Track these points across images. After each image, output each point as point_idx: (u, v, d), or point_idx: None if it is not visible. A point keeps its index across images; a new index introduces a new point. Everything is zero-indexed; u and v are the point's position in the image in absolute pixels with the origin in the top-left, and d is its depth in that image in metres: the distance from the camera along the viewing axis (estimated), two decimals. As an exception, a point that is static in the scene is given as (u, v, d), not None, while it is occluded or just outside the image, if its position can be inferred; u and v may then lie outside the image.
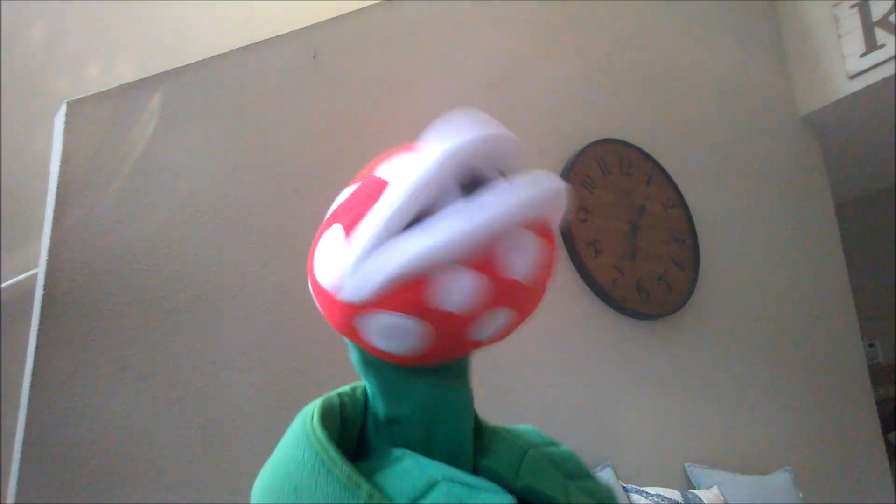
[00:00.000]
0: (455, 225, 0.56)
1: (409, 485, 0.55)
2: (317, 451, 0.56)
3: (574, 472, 0.69)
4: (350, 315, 0.60)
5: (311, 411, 0.62)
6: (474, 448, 0.65)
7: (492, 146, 0.62)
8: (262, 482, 0.59)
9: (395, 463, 0.58)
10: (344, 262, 0.59)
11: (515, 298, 0.61)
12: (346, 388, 0.69)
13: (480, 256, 0.57)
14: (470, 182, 0.60)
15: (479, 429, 0.68)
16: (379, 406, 0.65)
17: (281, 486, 0.57)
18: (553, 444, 0.72)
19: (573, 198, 0.62)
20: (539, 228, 0.60)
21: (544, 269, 0.62)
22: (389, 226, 0.57)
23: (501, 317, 0.61)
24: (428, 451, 0.61)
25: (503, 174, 0.63)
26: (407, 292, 0.57)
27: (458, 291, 0.57)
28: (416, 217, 0.58)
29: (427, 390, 0.63)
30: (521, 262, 0.59)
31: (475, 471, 0.63)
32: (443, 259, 0.56)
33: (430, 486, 0.54)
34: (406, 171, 0.59)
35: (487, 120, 0.65)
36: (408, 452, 0.59)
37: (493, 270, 0.58)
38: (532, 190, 0.59)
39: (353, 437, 0.64)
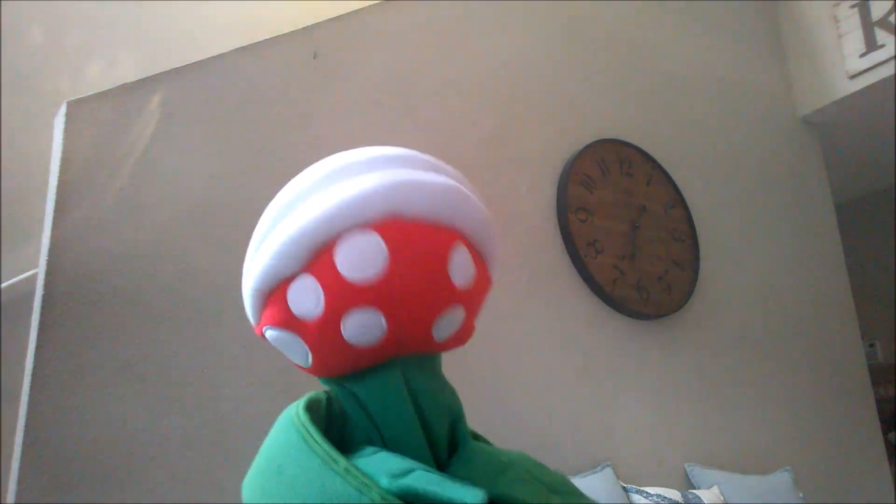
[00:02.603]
0: (286, 232, 0.60)
1: (386, 467, 0.56)
2: (299, 430, 0.59)
3: (561, 489, 0.69)
4: (260, 336, 0.68)
5: (297, 403, 0.65)
6: (447, 460, 0.65)
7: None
8: (252, 467, 0.63)
9: (374, 454, 0.60)
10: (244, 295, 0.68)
11: (366, 298, 0.60)
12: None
13: (315, 261, 0.60)
14: None
15: (463, 444, 0.67)
16: (344, 409, 0.67)
17: (266, 465, 0.60)
18: (543, 467, 0.71)
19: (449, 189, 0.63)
20: (381, 226, 0.60)
21: (394, 266, 0.60)
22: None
23: (366, 318, 0.61)
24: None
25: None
26: (273, 305, 0.64)
27: (303, 298, 0.61)
28: None
29: (361, 395, 0.65)
30: (355, 261, 0.59)
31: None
32: (281, 269, 0.61)
33: (408, 471, 0.56)
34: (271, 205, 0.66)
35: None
36: (385, 450, 0.61)
37: (328, 273, 0.59)
38: (365, 188, 0.60)
39: (340, 431, 0.65)
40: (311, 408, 0.63)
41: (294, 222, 0.60)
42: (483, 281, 0.68)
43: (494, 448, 0.71)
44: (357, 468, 0.55)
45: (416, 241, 0.61)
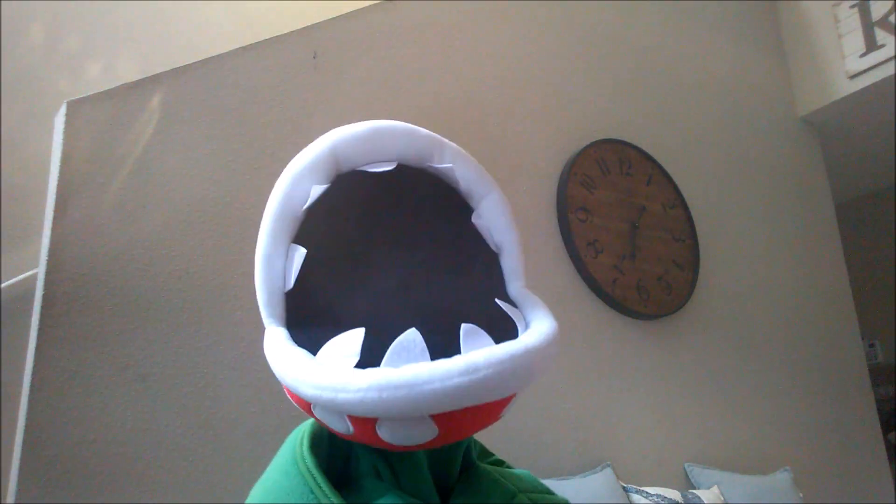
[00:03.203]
0: (340, 395, 0.52)
1: None
2: (306, 480, 0.56)
3: None
4: None
5: (301, 435, 0.62)
6: (456, 489, 0.64)
7: (359, 144, 0.62)
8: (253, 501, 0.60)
9: (379, 495, 0.58)
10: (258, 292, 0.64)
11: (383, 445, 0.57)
12: None
13: (357, 420, 0.54)
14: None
15: (470, 468, 0.66)
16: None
17: None
18: (548, 492, 0.70)
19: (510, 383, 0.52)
20: (443, 419, 0.53)
21: (439, 440, 0.55)
22: (267, 258, 0.60)
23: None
24: (391, 481, 0.61)
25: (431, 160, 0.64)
26: (296, 399, 0.59)
27: (333, 422, 0.56)
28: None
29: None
30: (399, 438, 0.54)
31: None
32: (326, 407, 0.55)
33: None
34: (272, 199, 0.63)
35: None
36: (391, 490, 0.59)
37: (366, 429, 0.55)
38: (440, 387, 0.51)
39: (342, 457, 0.64)
40: (315, 442, 0.61)
41: (333, 378, 0.53)
42: None
43: (502, 471, 0.69)
44: None
45: (475, 418, 0.55)
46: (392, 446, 0.56)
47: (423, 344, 0.54)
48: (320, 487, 0.55)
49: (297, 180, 0.61)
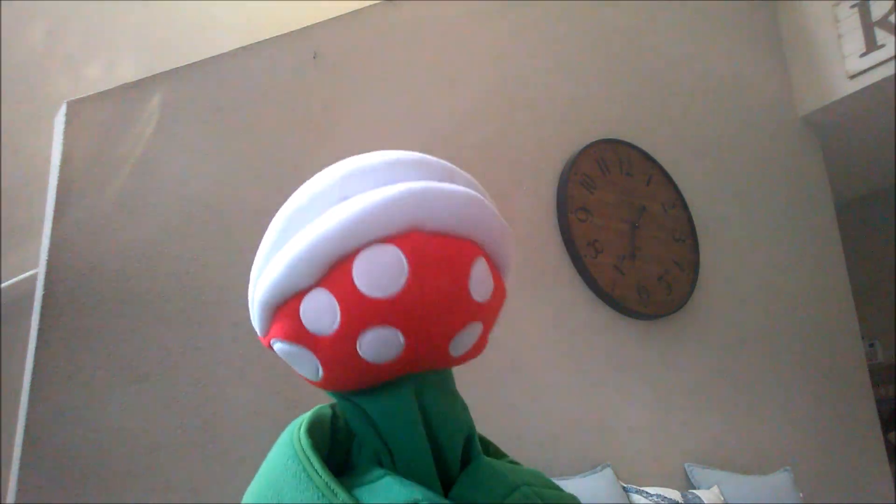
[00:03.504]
0: (300, 245, 0.57)
1: (391, 496, 0.54)
2: (299, 458, 0.57)
3: None
4: (266, 346, 0.66)
5: (300, 421, 0.63)
6: (458, 479, 0.63)
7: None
8: (251, 487, 0.60)
9: (377, 480, 0.58)
10: (250, 303, 0.66)
11: (385, 316, 0.58)
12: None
13: (331, 275, 0.57)
14: None
15: (474, 461, 0.66)
16: (350, 424, 0.65)
17: (265, 491, 0.58)
18: (555, 487, 0.69)
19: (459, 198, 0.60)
20: (401, 240, 0.57)
21: (415, 282, 0.57)
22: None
23: (383, 335, 0.58)
24: (394, 469, 0.61)
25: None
26: (284, 318, 0.61)
27: (318, 314, 0.58)
28: None
29: (370, 410, 0.62)
30: (374, 278, 0.56)
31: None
32: (294, 283, 0.58)
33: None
34: (279, 214, 0.63)
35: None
36: (390, 472, 0.59)
37: (345, 289, 0.57)
38: (382, 200, 0.56)
39: (344, 446, 0.64)
40: (315, 426, 0.62)
41: (309, 234, 0.57)
42: (500, 294, 0.66)
43: (506, 465, 0.69)
44: (357, 502, 0.54)
45: (438, 255, 0.58)
46: (371, 305, 0.56)
47: None
48: (313, 466, 0.56)
49: (302, 212, 0.61)
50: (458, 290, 0.59)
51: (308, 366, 0.62)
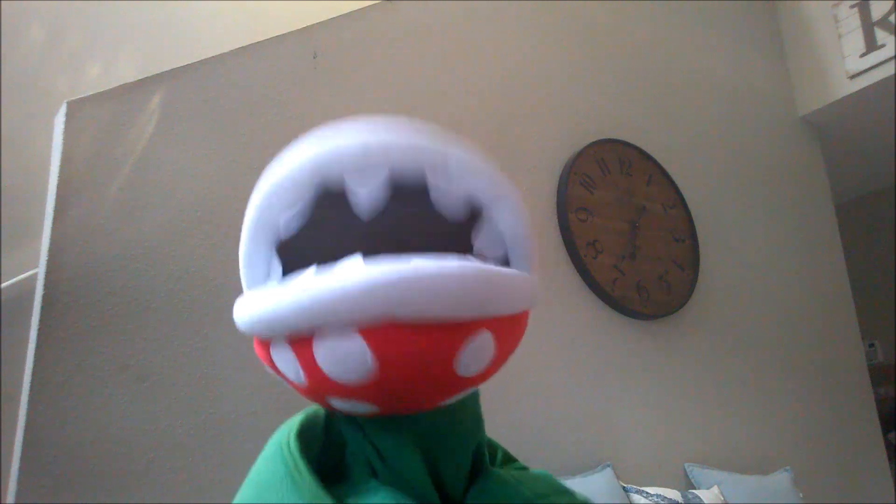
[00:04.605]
0: (265, 305, 0.54)
1: None
2: (287, 463, 0.55)
3: None
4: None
5: (292, 422, 0.61)
6: (469, 493, 0.61)
7: (349, 160, 0.55)
8: (240, 491, 0.59)
9: (370, 493, 0.56)
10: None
11: (352, 394, 0.54)
12: None
13: (295, 342, 0.53)
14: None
15: (484, 471, 0.64)
16: (342, 429, 0.63)
17: (251, 495, 0.57)
18: (567, 492, 0.66)
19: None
20: (370, 332, 0.50)
21: (383, 376, 0.52)
22: (250, 266, 0.59)
23: (352, 404, 0.56)
24: (386, 479, 0.59)
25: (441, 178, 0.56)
26: (258, 347, 0.59)
27: (286, 365, 0.55)
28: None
29: (365, 425, 0.60)
30: (336, 366, 0.52)
31: None
32: (261, 333, 0.56)
33: None
34: (250, 202, 0.59)
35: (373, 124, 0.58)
36: (384, 487, 0.57)
37: (308, 361, 0.53)
38: (356, 284, 0.49)
39: (339, 448, 0.62)
40: (306, 429, 0.59)
41: (268, 301, 0.53)
42: (506, 351, 0.60)
43: (516, 475, 0.66)
44: None
45: (413, 350, 0.51)
46: (336, 385, 0.52)
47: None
48: (300, 472, 0.54)
49: (276, 192, 0.58)
50: (439, 375, 0.54)
51: (290, 372, 0.59)
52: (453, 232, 0.60)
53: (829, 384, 2.94)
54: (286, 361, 0.55)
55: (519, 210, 0.61)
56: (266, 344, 0.57)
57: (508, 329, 0.58)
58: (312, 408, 0.64)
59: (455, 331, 0.52)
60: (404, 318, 0.49)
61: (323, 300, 0.49)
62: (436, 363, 0.52)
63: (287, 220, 0.57)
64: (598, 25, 2.83)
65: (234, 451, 1.50)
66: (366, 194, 0.56)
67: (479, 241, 0.60)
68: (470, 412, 0.65)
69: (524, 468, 0.74)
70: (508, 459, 0.74)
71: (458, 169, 0.57)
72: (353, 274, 0.49)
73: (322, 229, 0.59)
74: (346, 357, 0.51)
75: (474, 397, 0.67)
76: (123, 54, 2.15)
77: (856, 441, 2.94)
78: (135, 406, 1.43)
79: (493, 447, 0.74)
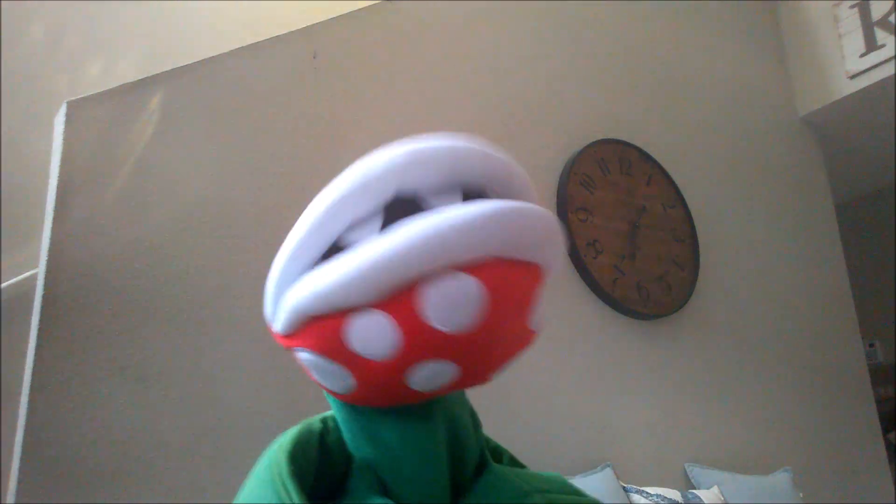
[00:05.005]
0: (360, 260, 0.49)
1: None
2: (276, 489, 0.53)
3: None
4: (284, 347, 0.58)
5: (282, 441, 0.58)
6: (469, 488, 0.61)
7: (431, 165, 0.52)
8: None
9: None
10: (268, 290, 0.57)
11: (449, 351, 0.51)
12: (331, 412, 0.64)
13: (394, 299, 0.49)
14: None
15: (487, 468, 0.63)
16: (347, 442, 0.61)
17: None
18: (577, 493, 0.66)
19: (562, 227, 0.59)
20: (481, 270, 0.49)
21: (490, 318, 0.50)
22: (297, 256, 0.53)
23: (439, 368, 0.52)
24: (398, 496, 0.58)
25: (491, 194, 0.55)
26: (321, 331, 0.53)
27: (371, 337, 0.51)
28: (339, 243, 0.53)
29: (387, 433, 0.58)
30: (447, 311, 0.49)
31: None
32: (346, 299, 0.50)
33: None
34: (319, 196, 0.54)
35: (449, 138, 0.55)
36: (385, 500, 0.56)
37: (409, 317, 0.49)
38: (463, 220, 0.48)
39: (338, 465, 0.60)
40: (298, 448, 0.57)
41: (373, 249, 0.49)
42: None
43: (519, 472, 0.66)
44: None
45: (518, 288, 0.51)
46: (443, 338, 0.49)
47: None
48: (289, 494, 0.52)
49: (342, 202, 0.54)
50: (524, 322, 0.54)
51: (337, 381, 0.56)
52: None
53: (829, 384, 2.94)
54: (374, 332, 0.51)
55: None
56: (334, 323, 0.52)
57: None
58: (303, 425, 0.61)
59: (536, 274, 0.53)
60: (508, 254, 0.50)
61: (439, 239, 0.48)
62: (526, 309, 0.53)
63: (353, 220, 0.53)
64: (598, 25, 2.83)
65: (234, 451, 1.50)
66: (443, 206, 0.53)
67: None
68: (467, 408, 0.65)
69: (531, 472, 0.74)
70: (514, 464, 0.74)
71: (520, 187, 0.58)
72: (464, 211, 0.49)
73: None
74: (461, 300, 0.49)
75: (464, 394, 0.67)
76: (123, 54, 2.15)
77: (856, 441, 2.94)
78: (135, 406, 1.43)
79: (498, 451, 0.73)
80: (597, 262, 2.36)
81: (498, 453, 0.73)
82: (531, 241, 0.51)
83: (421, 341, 0.50)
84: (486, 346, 0.53)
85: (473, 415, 0.67)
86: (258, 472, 0.57)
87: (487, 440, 0.72)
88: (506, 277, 0.50)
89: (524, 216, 0.51)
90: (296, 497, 0.51)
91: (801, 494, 2.40)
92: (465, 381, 0.55)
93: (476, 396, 0.69)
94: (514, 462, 0.74)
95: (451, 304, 0.49)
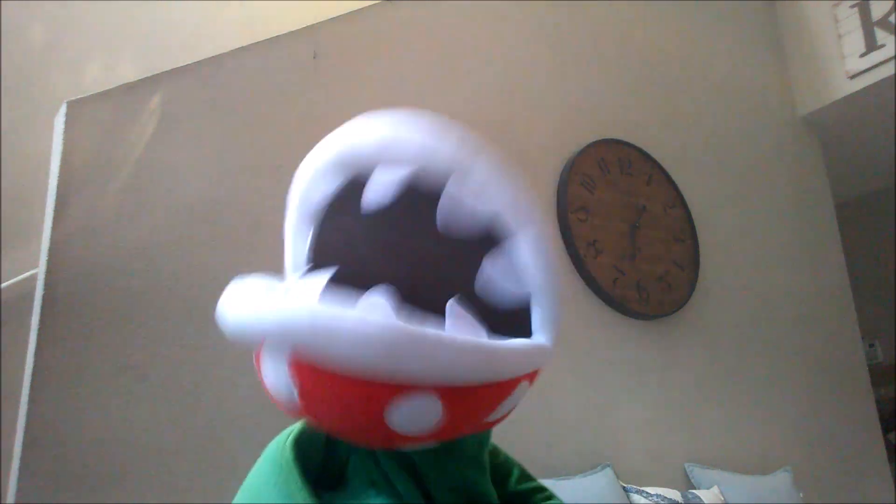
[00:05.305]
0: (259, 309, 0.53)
1: None
2: (281, 474, 0.55)
3: None
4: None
5: (291, 429, 0.60)
6: None
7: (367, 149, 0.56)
8: (235, 498, 0.59)
9: (369, 499, 0.55)
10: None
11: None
12: None
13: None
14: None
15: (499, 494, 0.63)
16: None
17: (246, 495, 0.57)
18: None
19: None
20: (297, 364, 0.50)
21: (300, 403, 0.52)
22: (295, 239, 0.61)
23: None
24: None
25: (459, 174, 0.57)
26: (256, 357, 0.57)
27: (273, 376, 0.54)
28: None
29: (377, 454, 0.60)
30: (272, 382, 0.53)
31: None
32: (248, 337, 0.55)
33: None
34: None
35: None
36: (382, 494, 0.57)
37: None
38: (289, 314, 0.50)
39: (343, 456, 0.61)
40: (306, 438, 0.59)
41: (235, 311, 0.55)
42: (471, 410, 0.56)
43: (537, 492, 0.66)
44: None
45: (328, 391, 0.51)
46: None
47: (391, 305, 0.51)
48: (296, 483, 0.54)
49: (316, 177, 0.61)
50: (365, 423, 0.53)
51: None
52: (462, 248, 0.58)
53: (829, 384, 2.94)
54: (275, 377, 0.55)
55: (542, 245, 0.59)
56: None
57: (461, 398, 0.53)
58: None
59: (378, 388, 0.49)
60: (315, 361, 0.49)
61: (251, 321, 0.52)
62: (360, 413, 0.51)
63: (321, 199, 0.59)
64: (598, 25, 2.83)
65: (235, 451, 1.50)
66: (378, 187, 0.55)
67: (491, 267, 0.57)
68: (469, 457, 0.64)
69: (541, 488, 0.71)
70: (525, 478, 0.73)
71: (481, 184, 0.58)
72: (272, 305, 0.51)
73: (341, 224, 0.59)
74: (277, 377, 0.52)
75: (477, 446, 0.65)
76: (123, 54, 2.15)
77: (856, 441, 2.94)
78: (135, 406, 1.43)
79: (507, 466, 0.72)
80: (597, 262, 2.36)
81: (507, 468, 0.72)
82: (341, 356, 0.49)
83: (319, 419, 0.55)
84: (322, 426, 0.55)
85: (477, 461, 0.65)
86: (264, 457, 0.59)
87: (496, 452, 0.70)
88: (315, 379, 0.51)
89: (333, 333, 0.48)
90: (300, 485, 0.53)
91: (801, 494, 2.40)
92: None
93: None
94: (526, 476, 0.72)
95: (273, 378, 0.52)
